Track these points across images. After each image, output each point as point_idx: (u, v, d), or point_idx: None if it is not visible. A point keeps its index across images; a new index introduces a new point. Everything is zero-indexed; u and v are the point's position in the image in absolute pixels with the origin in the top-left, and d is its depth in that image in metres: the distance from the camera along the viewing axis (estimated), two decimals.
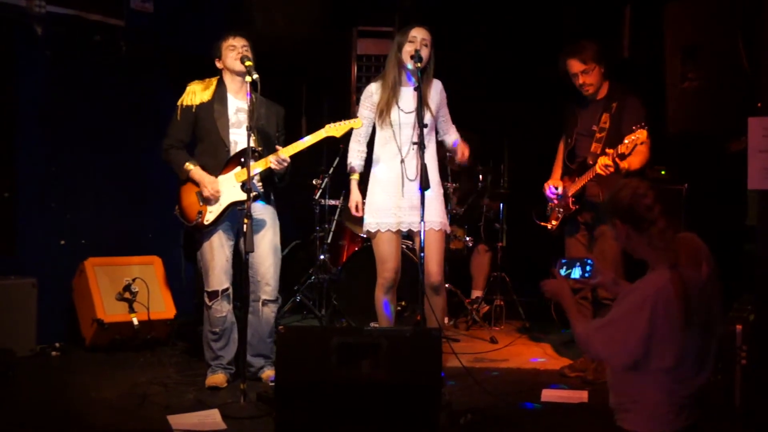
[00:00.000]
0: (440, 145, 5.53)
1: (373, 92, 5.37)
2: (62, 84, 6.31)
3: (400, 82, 5.31)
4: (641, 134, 5.01)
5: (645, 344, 3.18)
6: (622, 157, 5.13)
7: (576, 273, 3.67)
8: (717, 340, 3.33)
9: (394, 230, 5.31)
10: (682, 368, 3.20)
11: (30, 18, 6.01)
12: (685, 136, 5.93)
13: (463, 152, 5.35)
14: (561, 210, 5.66)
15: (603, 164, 5.21)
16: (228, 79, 5.33)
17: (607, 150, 5.24)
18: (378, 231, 5.32)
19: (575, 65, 5.50)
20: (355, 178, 5.44)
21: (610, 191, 5.34)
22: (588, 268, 3.64)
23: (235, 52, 5.23)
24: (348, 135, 5.41)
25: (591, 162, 5.37)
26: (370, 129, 5.41)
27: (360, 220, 6.23)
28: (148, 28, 6.80)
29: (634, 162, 5.27)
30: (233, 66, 5.25)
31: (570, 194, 5.54)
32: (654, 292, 3.18)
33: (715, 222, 5.87)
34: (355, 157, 5.44)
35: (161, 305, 6.34)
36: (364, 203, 5.44)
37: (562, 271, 3.66)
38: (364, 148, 5.44)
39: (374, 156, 5.41)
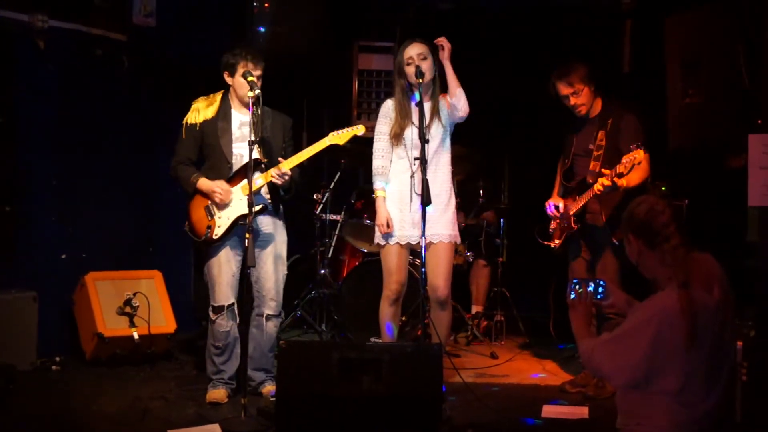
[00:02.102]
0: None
1: (390, 109, 5.35)
2: (64, 98, 6.33)
3: (409, 101, 5.29)
4: (638, 154, 4.99)
5: (647, 363, 3.15)
6: (620, 176, 5.13)
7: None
8: (730, 366, 3.29)
9: (402, 243, 5.30)
10: (688, 392, 3.16)
11: (33, 32, 6.03)
12: (686, 152, 5.95)
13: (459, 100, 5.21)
14: (563, 228, 5.66)
15: (602, 185, 5.21)
16: (233, 94, 5.32)
17: (603, 171, 5.23)
18: (386, 243, 5.32)
19: (563, 88, 5.52)
20: (381, 195, 5.37)
21: (610, 208, 5.38)
22: (601, 289, 3.61)
23: (249, 82, 5.13)
24: (350, 148, 5.40)
25: (591, 180, 5.37)
26: (390, 145, 5.36)
27: (361, 235, 6.25)
28: (151, 42, 6.82)
29: (633, 179, 5.26)
30: (243, 97, 5.21)
31: (571, 213, 5.54)
32: (660, 311, 3.15)
33: (716, 238, 5.88)
34: (379, 174, 5.38)
35: (162, 319, 6.33)
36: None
37: (573, 294, 3.63)
38: (388, 164, 5.37)
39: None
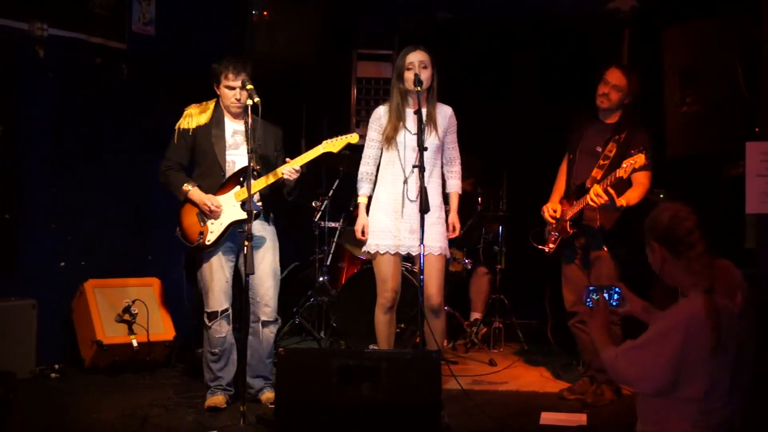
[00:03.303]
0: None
1: (381, 115, 5.39)
2: (64, 106, 6.33)
3: (405, 105, 5.32)
4: (639, 158, 4.97)
5: (674, 370, 3.12)
6: (621, 181, 5.11)
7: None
8: (750, 373, 3.26)
9: (392, 252, 5.32)
10: (711, 398, 3.14)
11: (32, 41, 6.05)
12: (684, 160, 5.97)
13: (453, 227, 5.37)
14: (558, 233, 5.65)
15: (594, 193, 5.19)
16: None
17: (599, 185, 5.21)
18: (377, 252, 5.34)
19: (612, 75, 5.47)
20: (362, 202, 5.45)
21: (609, 222, 5.37)
22: (615, 296, 3.58)
23: (232, 94, 5.24)
24: (345, 154, 5.41)
25: (589, 186, 5.36)
26: (379, 152, 5.41)
27: (360, 243, 6.25)
28: (150, 50, 6.83)
29: (633, 197, 5.25)
30: (229, 107, 5.31)
31: (567, 218, 5.54)
32: (686, 318, 3.13)
33: (714, 245, 5.88)
34: (364, 180, 5.45)
35: (160, 327, 6.34)
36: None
37: (588, 302, 3.60)
38: (374, 170, 5.44)
39: (378, 177, 5.43)
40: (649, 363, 3.19)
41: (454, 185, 5.50)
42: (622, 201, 5.20)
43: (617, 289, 3.58)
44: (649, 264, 3.43)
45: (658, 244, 3.31)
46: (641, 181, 5.29)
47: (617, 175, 5.07)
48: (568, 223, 5.53)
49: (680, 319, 3.15)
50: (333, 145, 5.25)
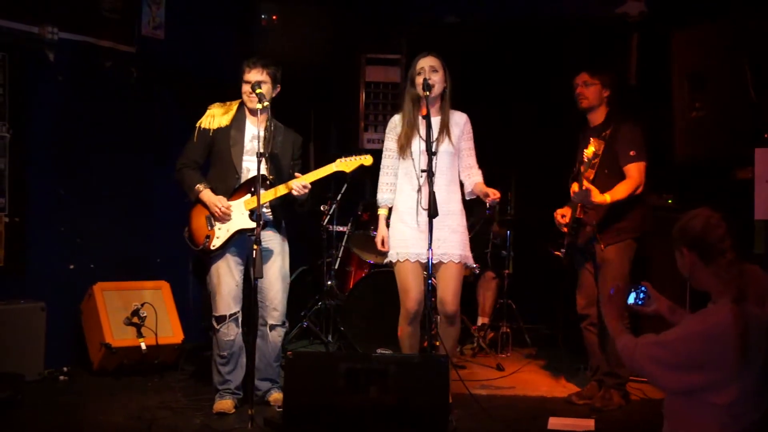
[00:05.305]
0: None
1: (396, 124, 5.34)
2: (73, 109, 6.35)
3: (417, 112, 5.25)
4: (591, 144, 5.13)
5: (696, 375, 3.12)
6: (609, 176, 5.13)
7: (630, 299, 3.61)
8: None
9: (412, 260, 5.23)
10: (740, 404, 3.13)
11: (43, 44, 6.07)
12: (693, 165, 5.96)
13: (494, 193, 5.18)
14: (566, 237, 5.65)
15: (574, 191, 5.21)
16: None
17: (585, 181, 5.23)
18: (398, 261, 5.28)
19: (582, 76, 5.56)
20: (383, 213, 5.40)
21: (599, 216, 5.37)
22: (642, 295, 3.57)
23: (246, 88, 5.25)
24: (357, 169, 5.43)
25: (583, 188, 5.34)
26: (398, 161, 5.35)
27: (368, 247, 6.25)
28: (159, 54, 6.86)
29: (619, 191, 5.25)
30: (246, 102, 5.31)
31: (569, 221, 5.55)
32: (714, 325, 3.11)
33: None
34: (385, 191, 5.40)
35: (169, 330, 6.35)
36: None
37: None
38: (394, 180, 5.37)
39: (398, 187, 5.37)
40: (668, 362, 3.17)
41: (476, 180, 5.35)
42: (605, 197, 5.20)
43: (643, 288, 3.57)
44: (644, 264, 3.43)
45: (689, 249, 3.29)
46: (630, 174, 5.31)
47: (581, 170, 5.10)
48: (570, 226, 5.54)
49: (707, 326, 3.13)
50: (346, 164, 5.23)
